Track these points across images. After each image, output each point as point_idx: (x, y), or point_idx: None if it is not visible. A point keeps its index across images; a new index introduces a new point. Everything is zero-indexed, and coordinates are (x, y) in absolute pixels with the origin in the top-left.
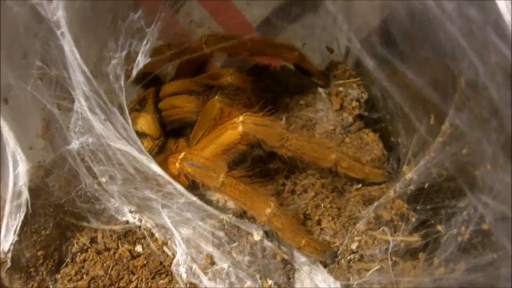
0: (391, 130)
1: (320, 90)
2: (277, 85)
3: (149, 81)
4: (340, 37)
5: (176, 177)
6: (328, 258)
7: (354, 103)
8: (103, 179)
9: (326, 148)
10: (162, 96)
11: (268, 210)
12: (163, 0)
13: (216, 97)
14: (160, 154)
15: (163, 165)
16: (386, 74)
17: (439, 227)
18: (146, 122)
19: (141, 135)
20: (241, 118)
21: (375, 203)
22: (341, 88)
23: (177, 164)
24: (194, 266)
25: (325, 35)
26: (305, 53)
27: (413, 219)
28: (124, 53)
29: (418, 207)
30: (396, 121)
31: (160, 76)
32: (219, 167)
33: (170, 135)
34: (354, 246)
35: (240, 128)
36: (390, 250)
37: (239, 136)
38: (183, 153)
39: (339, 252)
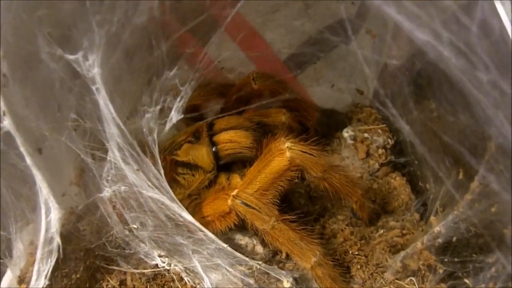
0: (419, 175)
1: (345, 135)
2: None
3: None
4: (368, 78)
5: (225, 214)
6: None
7: (380, 151)
8: (134, 226)
9: (357, 184)
10: (216, 130)
11: (314, 259)
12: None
13: (287, 143)
14: (210, 188)
15: (211, 200)
16: (413, 123)
17: (467, 280)
18: (200, 154)
19: (192, 167)
20: (287, 144)
21: (402, 253)
22: (366, 134)
23: (229, 201)
24: None
25: (353, 76)
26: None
27: (441, 271)
28: (158, 107)
29: (446, 259)
30: (425, 168)
31: (203, 112)
32: (271, 211)
33: (221, 170)
34: None
35: (288, 154)
36: None
37: (288, 162)
38: (236, 190)
39: None
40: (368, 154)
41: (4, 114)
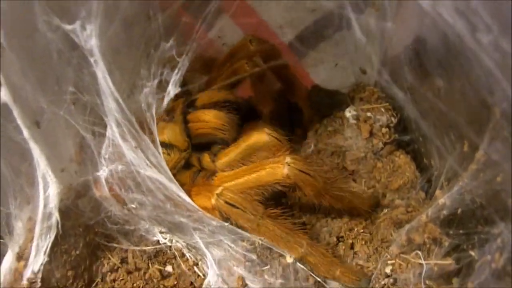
0: (423, 152)
1: (348, 114)
2: (308, 106)
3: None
4: (372, 56)
5: (208, 210)
6: (363, 284)
7: (384, 130)
8: (133, 205)
9: (346, 196)
10: (198, 105)
11: (301, 250)
12: (197, 20)
13: (265, 129)
14: (186, 170)
15: (195, 193)
16: (416, 100)
17: (472, 252)
18: (173, 133)
19: (167, 146)
20: (287, 159)
21: (407, 226)
22: (369, 114)
23: (213, 200)
24: (225, 287)
25: (356, 56)
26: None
27: (446, 243)
28: (156, 81)
29: (451, 232)
30: (429, 144)
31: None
32: (256, 209)
33: (195, 150)
34: (388, 270)
35: (285, 170)
36: (423, 274)
37: (281, 177)
38: (220, 189)
39: (373, 277)
40: (371, 134)
41: (0, 85)
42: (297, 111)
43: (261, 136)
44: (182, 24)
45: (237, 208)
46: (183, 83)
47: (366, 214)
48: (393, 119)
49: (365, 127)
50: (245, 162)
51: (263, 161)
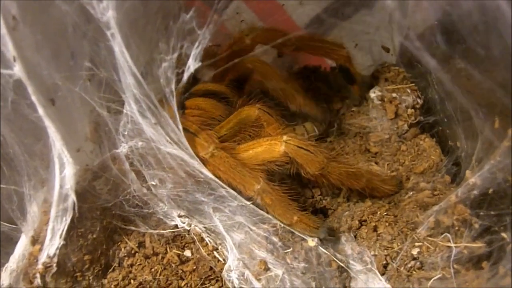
0: (448, 133)
1: (373, 95)
2: (328, 88)
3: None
4: (395, 36)
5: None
6: (322, 234)
7: (410, 111)
8: (153, 182)
9: (360, 174)
10: (193, 92)
11: (258, 186)
12: (211, 1)
13: (257, 104)
14: None
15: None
16: (448, 73)
17: (504, 234)
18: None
19: None
20: (285, 137)
21: (435, 208)
22: (394, 94)
23: (282, 147)
24: (247, 272)
25: (379, 35)
26: (356, 55)
27: (476, 225)
28: (175, 55)
29: (482, 213)
30: (455, 125)
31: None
32: (210, 137)
33: None
34: (415, 252)
35: (282, 147)
36: (452, 258)
37: (278, 155)
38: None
39: (398, 258)
40: (397, 114)
41: (14, 60)
42: (344, 70)
43: (251, 110)
44: None
45: (193, 134)
46: (193, 80)
47: (389, 196)
48: (418, 100)
49: (391, 108)
50: (236, 138)
51: (261, 139)
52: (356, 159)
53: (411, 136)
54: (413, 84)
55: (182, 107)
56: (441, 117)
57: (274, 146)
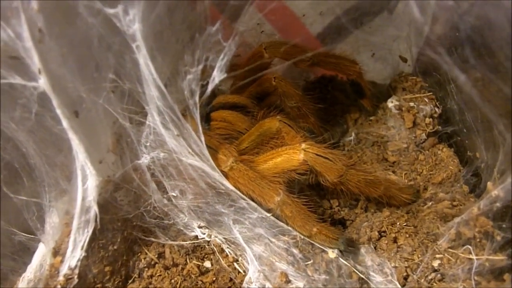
0: (467, 144)
1: (390, 105)
2: (345, 97)
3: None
4: (412, 46)
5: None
6: (341, 245)
7: (428, 120)
8: (174, 194)
9: (378, 182)
10: (215, 104)
11: (277, 198)
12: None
13: (278, 116)
14: None
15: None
16: (469, 82)
17: None
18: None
19: None
20: (303, 145)
21: (456, 219)
22: (412, 104)
23: (301, 155)
24: (267, 284)
25: (396, 45)
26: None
27: (499, 238)
28: (200, 67)
29: (504, 225)
30: (474, 135)
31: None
32: (229, 151)
33: None
34: (436, 264)
35: (301, 155)
36: (473, 270)
37: (297, 163)
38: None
39: (419, 270)
40: (415, 124)
41: (39, 73)
42: (356, 85)
43: (273, 122)
44: (230, 6)
45: (213, 150)
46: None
47: (406, 205)
48: (436, 109)
49: (409, 117)
50: (258, 150)
51: (279, 148)
52: (373, 168)
53: (429, 145)
54: (430, 93)
55: (207, 119)
56: (459, 127)
57: (293, 155)
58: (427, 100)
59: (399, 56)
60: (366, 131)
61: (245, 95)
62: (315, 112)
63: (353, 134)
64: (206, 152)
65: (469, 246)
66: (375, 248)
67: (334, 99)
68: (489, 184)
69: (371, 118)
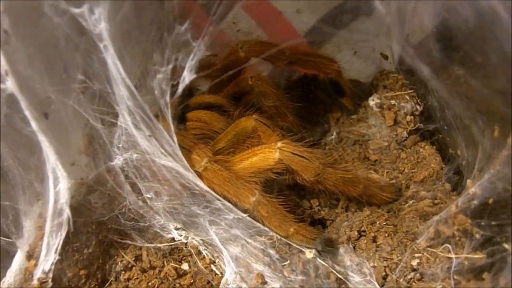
0: (449, 141)
1: (372, 103)
2: (327, 96)
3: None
4: (393, 43)
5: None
6: (319, 245)
7: (409, 117)
8: (148, 195)
9: (357, 181)
10: (191, 105)
11: (253, 198)
12: (209, 10)
13: (254, 115)
14: None
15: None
16: (445, 82)
17: (506, 245)
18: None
19: None
20: (279, 144)
21: (435, 218)
22: (393, 101)
23: (277, 154)
24: (244, 285)
25: (378, 42)
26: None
27: (478, 236)
28: (170, 67)
29: (483, 223)
30: (455, 133)
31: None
32: (202, 151)
33: None
34: (414, 263)
35: (277, 154)
36: (452, 269)
37: (273, 162)
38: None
39: (397, 269)
40: (396, 122)
41: (6, 74)
42: (335, 83)
43: (248, 121)
44: (197, 7)
45: (187, 150)
46: (188, 90)
47: (387, 204)
48: (418, 106)
49: (390, 115)
50: (235, 150)
51: (255, 148)
52: (355, 167)
53: (411, 143)
54: (411, 91)
55: (183, 119)
56: (441, 125)
57: (269, 154)
58: (408, 98)
59: (380, 53)
60: (347, 129)
61: (222, 94)
62: (294, 111)
63: (334, 133)
64: (179, 152)
65: (448, 245)
66: (354, 248)
67: (316, 98)
68: (468, 181)
69: (353, 116)
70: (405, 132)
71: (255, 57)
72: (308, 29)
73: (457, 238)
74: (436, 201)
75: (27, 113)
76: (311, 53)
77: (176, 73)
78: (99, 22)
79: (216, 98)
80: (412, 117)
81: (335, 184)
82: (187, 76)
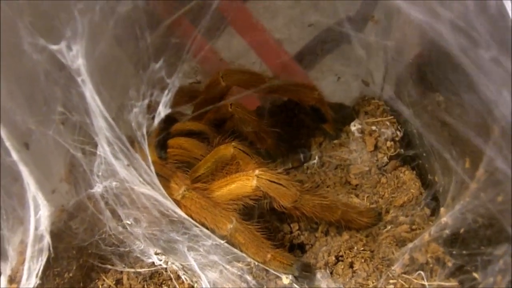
0: (427, 167)
1: (353, 128)
2: (311, 121)
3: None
4: (374, 70)
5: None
6: (296, 271)
7: (389, 143)
8: (128, 222)
9: (334, 207)
10: (173, 132)
11: (230, 226)
12: (199, 32)
13: (233, 143)
14: None
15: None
16: (420, 115)
17: (476, 274)
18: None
19: None
20: (256, 171)
21: (409, 245)
22: (374, 127)
23: (254, 182)
24: None
25: (360, 69)
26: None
27: (450, 264)
28: (145, 102)
29: (454, 252)
30: (433, 159)
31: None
32: (180, 180)
33: None
34: None
35: (254, 182)
36: None
37: (251, 190)
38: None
39: None
40: (376, 147)
41: None
42: (317, 110)
43: (227, 149)
44: (172, 44)
45: (164, 178)
46: (169, 119)
47: (366, 229)
48: (398, 132)
49: (370, 140)
50: (214, 177)
51: (233, 175)
52: (336, 191)
53: (391, 168)
54: (392, 117)
55: (164, 146)
56: (420, 151)
57: (246, 182)
58: (388, 124)
59: (361, 80)
60: (329, 154)
61: (203, 121)
62: (274, 135)
63: (316, 157)
64: (157, 181)
65: (422, 272)
66: (331, 273)
67: (300, 122)
68: (442, 210)
69: (335, 141)
70: (385, 158)
71: (237, 86)
72: (294, 54)
73: (431, 266)
74: (414, 227)
75: (8, 144)
76: (292, 81)
77: (151, 107)
78: (76, 58)
79: (197, 125)
80: (392, 142)
81: (312, 211)
82: (163, 111)
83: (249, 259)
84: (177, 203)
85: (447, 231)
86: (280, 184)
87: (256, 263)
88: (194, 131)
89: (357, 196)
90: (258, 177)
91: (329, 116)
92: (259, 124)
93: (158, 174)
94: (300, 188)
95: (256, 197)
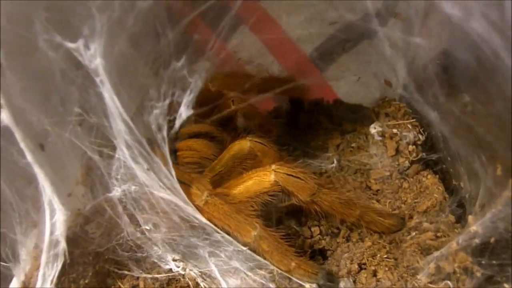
0: (452, 172)
1: (373, 131)
2: (330, 122)
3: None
4: (398, 69)
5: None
6: (321, 280)
7: (411, 147)
8: (147, 227)
9: (353, 204)
10: (180, 136)
11: (254, 233)
12: (216, 31)
13: (248, 137)
14: None
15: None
16: (445, 117)
17: (507, 286)
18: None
19: None
20: (273, 166)
21: (435, 254)
22: (395, 130)
23: (272, 176)
24: None
25: (382, 69)
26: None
27: (478, 274)
28: (167, 102)
29: (483, 262)
30: (458, 164)
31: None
32: (202, 185)
33: None
34: None
35: (272, 176)
36: None
37: (269, 185)
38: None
39: None
40: (397, 151)
41: (1, 107)
42: (294, 102)
43: (243, 143)
44: (194, 42)
45: (187, 185)
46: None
47: (390, 233)
48: (420, 136)
49: (391, 144)
50: (230, 174)
51: (250, 172)
52: (357, 196)
53: (413, 173)
54: (414, 120)
55: (172, 150)
56: (444, 155)
57: (264, 177)
58: (410, 127)
59: (384, 80)
60: (348, 158)
61: (208, 122)
62: (278, 125)
63: (335, 161)
64: (177, 185)
65: (449, 282)
66: (354, 281)
67: (319, 124)
68: (470, 217)
69: (353, 145)
70: (407, 162)
71: (226, 90)
72: (311, 53)
73: (458, 275)
74: (438, 234)
75: (22, 145)
76: (277, 78)
77: (172, 108)
78: (94, 58)
79: (203, 126)
80: (414, 146)
81: (331, 205)
82: (184, 112)
83: (271, 267)
84: (199, 209)
85: (476, 240)
86: (298, 177)
87: (279, 270)
88: (201, 132)
89: (378, 201)
90: (275, 171)
91: (306, 107)
92: (262, 115)
93: (178, 179)
94: (318, 181)
95: (274, 193)
